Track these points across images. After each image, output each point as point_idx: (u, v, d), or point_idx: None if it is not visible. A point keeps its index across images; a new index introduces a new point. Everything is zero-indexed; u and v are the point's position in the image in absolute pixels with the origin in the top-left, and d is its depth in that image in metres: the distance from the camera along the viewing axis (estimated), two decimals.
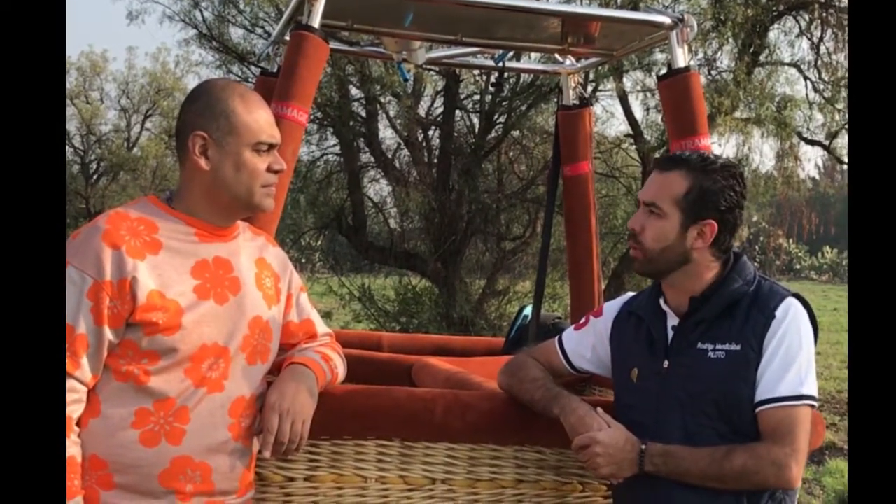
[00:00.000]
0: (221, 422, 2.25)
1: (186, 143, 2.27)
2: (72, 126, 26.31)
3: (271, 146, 2.32)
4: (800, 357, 2.34)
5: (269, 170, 2.32)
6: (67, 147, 25.87)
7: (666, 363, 2.43)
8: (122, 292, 2.13)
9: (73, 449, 2.10)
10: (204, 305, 2.22)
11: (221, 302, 2.26)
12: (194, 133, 2.27)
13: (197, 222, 2.29)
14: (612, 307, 2.69)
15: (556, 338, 2.78)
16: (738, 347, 2.36)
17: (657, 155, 9.99)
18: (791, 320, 2.37)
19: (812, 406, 2.35)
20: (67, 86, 26.15)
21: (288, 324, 2.50)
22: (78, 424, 2.14)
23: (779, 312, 2.37)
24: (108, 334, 2.13)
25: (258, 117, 2.30)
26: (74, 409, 2.11)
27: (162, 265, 2.19)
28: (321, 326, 2.61)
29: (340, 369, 2.58)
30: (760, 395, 2.33)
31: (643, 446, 2.37)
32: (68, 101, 25.94)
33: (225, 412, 2.25)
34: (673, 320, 2.48)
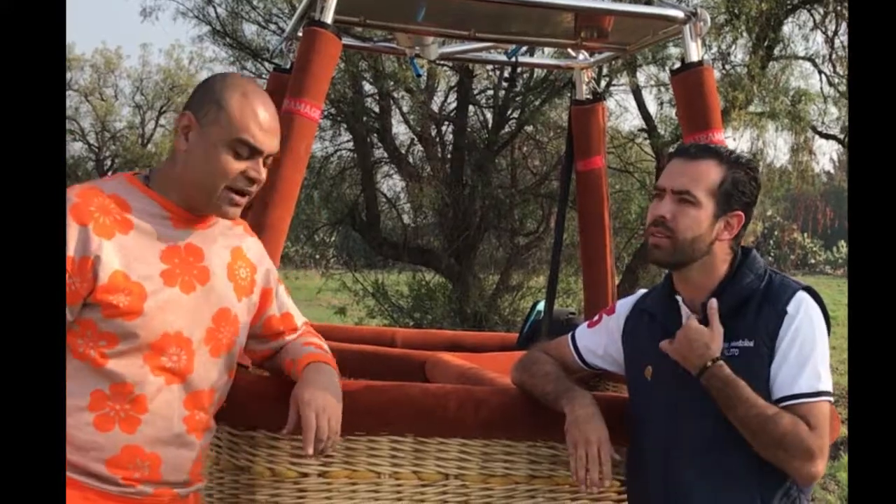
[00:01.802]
0: (178, 414, 2.21)
1: (178, 120, 2.25)
2: (86, 123, 26.47)
3: (254, 151, 2.20)
4: (815, 353, 2.33)
5: (243, 174, 2.20)
6: (82, 144, 26.02)
7: None
8: (83, 270, 2.07)
9: None
10: (168, 292, 2.16)
11: (187, 291, 2.20)
12: (185, 112, 2.23)
13: (171, 205, 2.22)
14: (624, 305, 2.68)
15: (570, 334, 2.77)
16: (751, 344, 2.35)
17: (671, 149, 9.96)
18: (804, 315, 2.35)
19: (830, 401, 2.33)
20: (82, 83, 26.31)
21: (270, 318, 2.47)
22: None
23: (790, 308, 2.35)
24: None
25: (248, 116, 2.19)
26: None
27: (130, 246, 2.13)
28: (299, 317, 2.57)
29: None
30: (779, 391, 2.31)
31: (715, 361, 2.30)
32: (83, 99, 26.08)
33: (181, 404, 2.21)
34: (687, 315, 2.46)
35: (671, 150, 9.94)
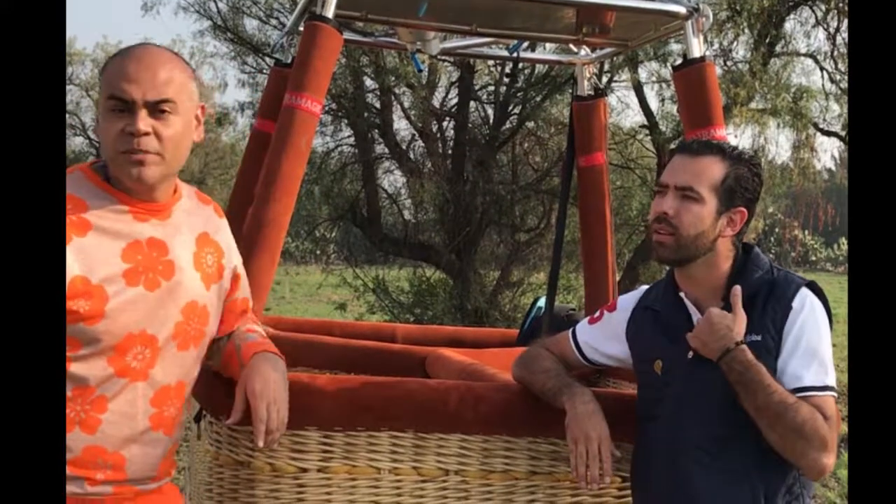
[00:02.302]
0: (143, 412, 2.15)
1: None
2: (87, 118, 26.40)
3: (126, 103, 2.05)
4: (821, 347, 2.35)
5: (122, 132, 2.05)
6: (82, 138, 25.99)
7: (690, 353, 2.41)
8: None
9: None
10: (131, 292, 2.09)
11: (152, 288, 2.13)
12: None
13: (126, 197, 2.13)
14: (626, 302, 2.68)
15: (570, 330, 2.77)
16: (758, 338, 2.35)
17: (672, 146, 9.96)
18: (809, 310, 2.37)
19: (835, 396, 2.34)
20: (83, 77, 26.27)
21: (234, 301, 2.42)
22: None
23: (795, 303, 2.37)
24: None
25: (113, 73, 2.07)
26: None
27: (89, 248, 2.05)
28: (251, 300, 2.54)
29: None
30: (789, 384, 2.30)
31: (737, 344, 2.29)
32: (83, 93, 26.05)
33: (147, 402, 2.16)
34: (693, 312, 2.46)
35: (672, 146, 9.97)
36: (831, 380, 2.33)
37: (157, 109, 2.08)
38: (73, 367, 2.06)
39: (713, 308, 2.35)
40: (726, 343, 2.29)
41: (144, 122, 2.06)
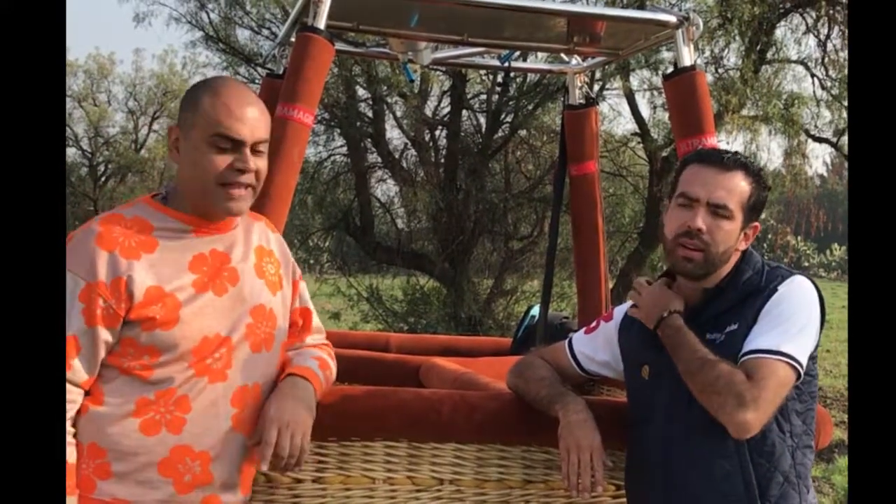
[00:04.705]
0: (224, 411, 2.24)
1: (168, 137, 2.29)
2: (80, 129, 26.40)
3: (234, 142, 2.21)
4: (792, 320, 2.32)
5: (230, 168, 2.22)
6: (75, 149, 25.96)
7: None
8: (118, 291, 2.12)
9: (68, 449, 2.09)
10: (202, 298, 2.21)
11: (220, 293, 2.25)
12: (172, 126, 2.28)
13: (189, 218, 2.27)
14: (620, 311, 2.69)
15: (567, 340, 2.78)
16: (735, 327, 2.36)
17: (665, 153, 9.98)
18: (790, 291, 2.36)
19: (792, 367, 2.28)
20: (75, 88, 26.25)
21: (294, 311, 2.50)
22: (78, 414, 2.15)
23: (781, 287, 2.37)
24: (103, 334, 2.13)
25: (219, 110, 2.21)
26: (68, 410, 2.11)
27: (158, 263, 2.18)
28: (316, 318, 2.57)
29: (334, 372, 2.54)
30: (744, 349, 2.30)
31: (673, 312, 2.41)
32: (76, 104, 26.03)
33: (227, 401, 2.24)
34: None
35: (665, 153, 10.00)
36: (789, 349, 2.28)
37: (257, 147, 2.25)
38: (156, 374, 2.17)
39: (655, 283, 2.51)
40: (663, 311, 2.41)
41: (252, 160, 2.24)
